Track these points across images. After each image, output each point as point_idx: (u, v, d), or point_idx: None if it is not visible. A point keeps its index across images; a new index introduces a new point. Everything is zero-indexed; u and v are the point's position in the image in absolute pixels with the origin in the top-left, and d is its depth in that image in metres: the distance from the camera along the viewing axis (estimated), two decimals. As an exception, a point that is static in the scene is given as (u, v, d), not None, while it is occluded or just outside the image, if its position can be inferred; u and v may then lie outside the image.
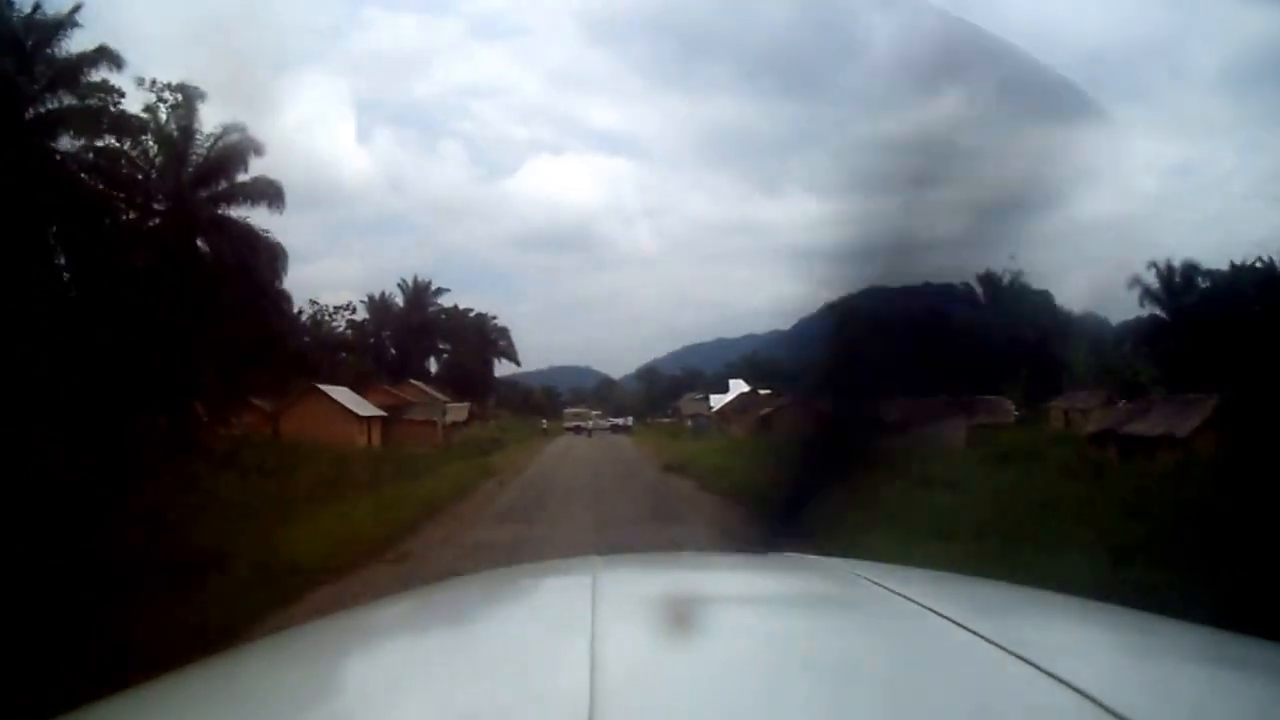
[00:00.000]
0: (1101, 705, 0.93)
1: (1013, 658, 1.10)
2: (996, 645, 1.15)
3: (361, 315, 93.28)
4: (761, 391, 75.42)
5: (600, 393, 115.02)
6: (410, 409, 51.46)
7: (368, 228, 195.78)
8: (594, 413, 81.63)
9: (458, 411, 64.91)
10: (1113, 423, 30.56)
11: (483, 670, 1.25)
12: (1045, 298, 73.22)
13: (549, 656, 1.27)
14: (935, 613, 1.31)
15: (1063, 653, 1.25)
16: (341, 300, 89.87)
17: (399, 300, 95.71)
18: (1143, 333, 51.34)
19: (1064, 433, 39.29)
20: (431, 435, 49.27)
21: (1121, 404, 32.73)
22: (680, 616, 1.37)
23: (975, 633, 1.20)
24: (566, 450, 46.73)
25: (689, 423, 72.05)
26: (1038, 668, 1.05)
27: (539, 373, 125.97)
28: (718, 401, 77.44)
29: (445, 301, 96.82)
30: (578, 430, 73.99)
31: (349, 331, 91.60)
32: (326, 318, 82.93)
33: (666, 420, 77.06)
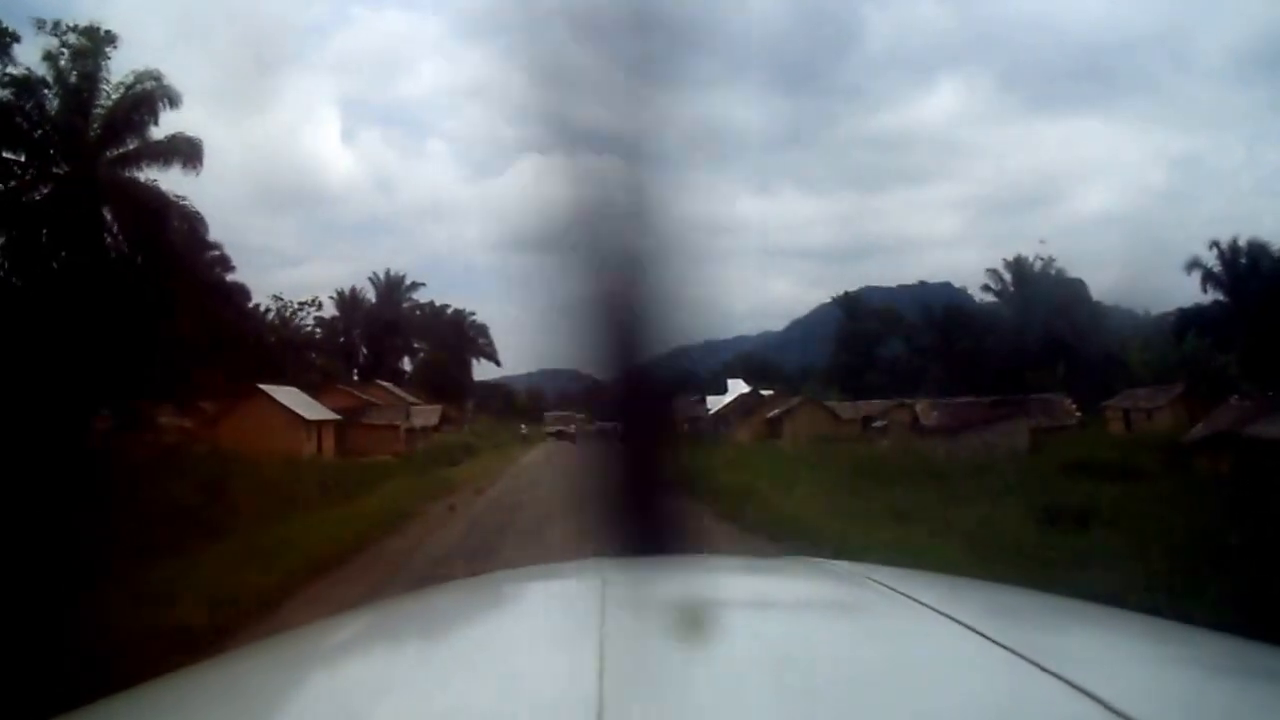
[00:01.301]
0: (1119, 713, 0.92)
1: (1028, 664, 1.07)
2: (1012, 651, 1.12)
3: (332, 313, 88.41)
4: (763, 392, 69.77)
5: (590, 395, 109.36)
6: (368, 412, 44.99)
7: (353, 229, 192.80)
8: (579, 416, 74.38)
9: (427, 415, 58.49)
10: (1226, 423, 24.25)
11: (491, 672, 1.23)
12: (1078, 287, 67.39)
13: (557, 659, 1.25)
14: (949, 618, 1.29)
15: (1080, 659, 1.20)
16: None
17: (372, 297, 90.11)
18: (1208, 321, 45.61)
19: (1141, 436, 32.99)
20: (392, 441, 42.84)
21: (1233, 400, 26.41)
22: (690, 620, 1.37)
23: (990, 638, 1.18)
24: (546, 460, 40.07)
25: (685, 427, 65.80)
26: (1054, 674, 1.02)
27: (527, 376, 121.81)
28: (715, 403, 71.28)
29: (421, 297, 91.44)
30: (560, 436, 66.80)
31: (318, 330, 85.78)
32: (291, 314, 77.05)
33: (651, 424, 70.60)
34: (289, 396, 40.20)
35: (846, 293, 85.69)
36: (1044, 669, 1.04)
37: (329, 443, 41.32)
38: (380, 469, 31.71)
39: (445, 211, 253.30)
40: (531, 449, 51.76)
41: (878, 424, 40.34)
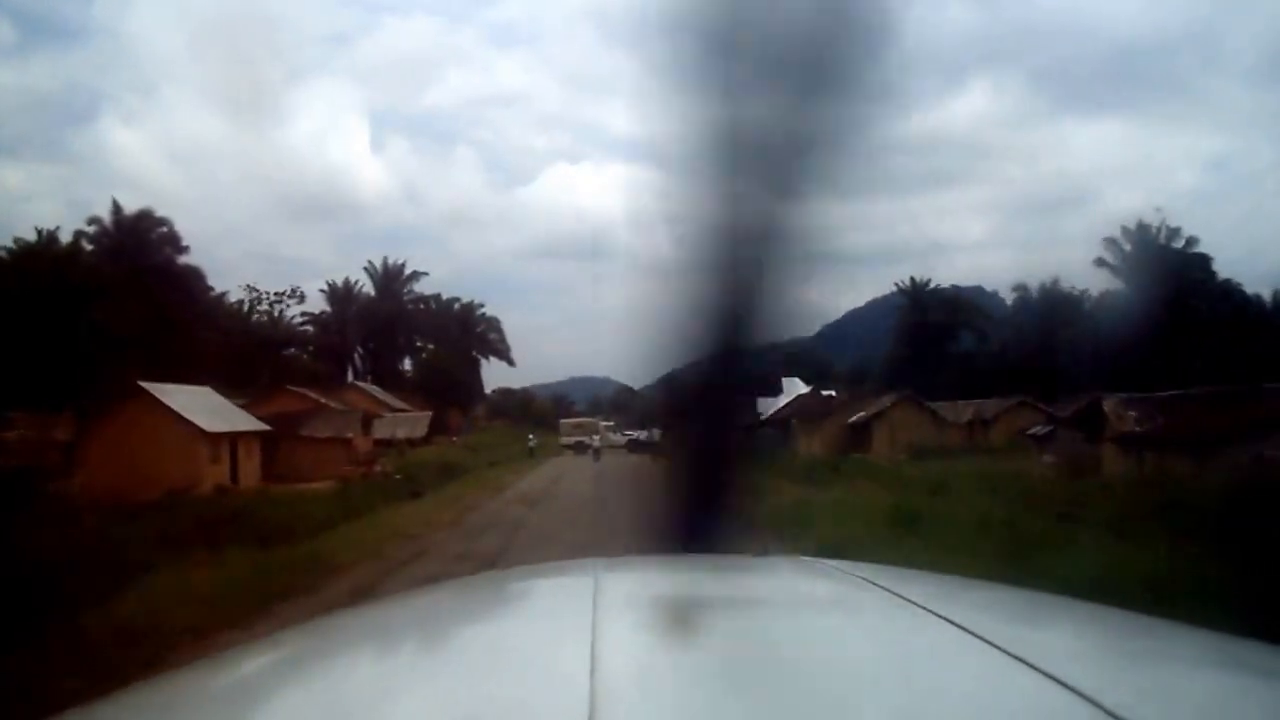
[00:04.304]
0: (1104, 709, 0.92)
1: (1016, 661, 1.07)
2: (999, 648, 1.11)
3: (323, 307, 77.16)
4: (824, 393, 58.07)
5: (619, 402, 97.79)
6: (311, 421, 33.24)
7: (383, 239, 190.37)
8: (604, 423, 60.26)
9: (411, 424, 46.89)
10: None
11: (482, 672, 1.20)
12: (1205, 263, 55.17)
13: (549, 658, 1.23)
14: (937, 615, 1.28)
15: (1066, 656, 1.20)
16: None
17: (370, 290, 78.87)
18: None
19: None
20: (340, 460, 31.29)
21: None
22: (682, 619, 1.39)
23: (977, 635, 1.17)
24: (549, 488, 27.45)
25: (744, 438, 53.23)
26: (1041, 671, 1.02)
27: (558, 384, 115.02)
28: (767, 406, 59.42)
29: (427, 290, 79.99)
30: (580, 448, 51.37)
31: (308, 326, 74.55)
32: (270, 306, 65.84)
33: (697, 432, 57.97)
34: (189, 399, 28.79)
35: (913, 279, 74.73)
36: (1032, 665, 1.04)
37: (250, 463, 29.90)
38: (283, 508, 20.39)
39: (475, 220, 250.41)
40: (536, 469, 38.84)
41: (1036, 431, 28.16)
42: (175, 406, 27.64)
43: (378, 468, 31.36)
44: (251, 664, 1.43)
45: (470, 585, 2.22)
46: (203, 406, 29.02)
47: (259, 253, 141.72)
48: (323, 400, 37.44)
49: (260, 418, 32.38)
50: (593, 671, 1.01)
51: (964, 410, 38.28)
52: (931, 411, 36.64)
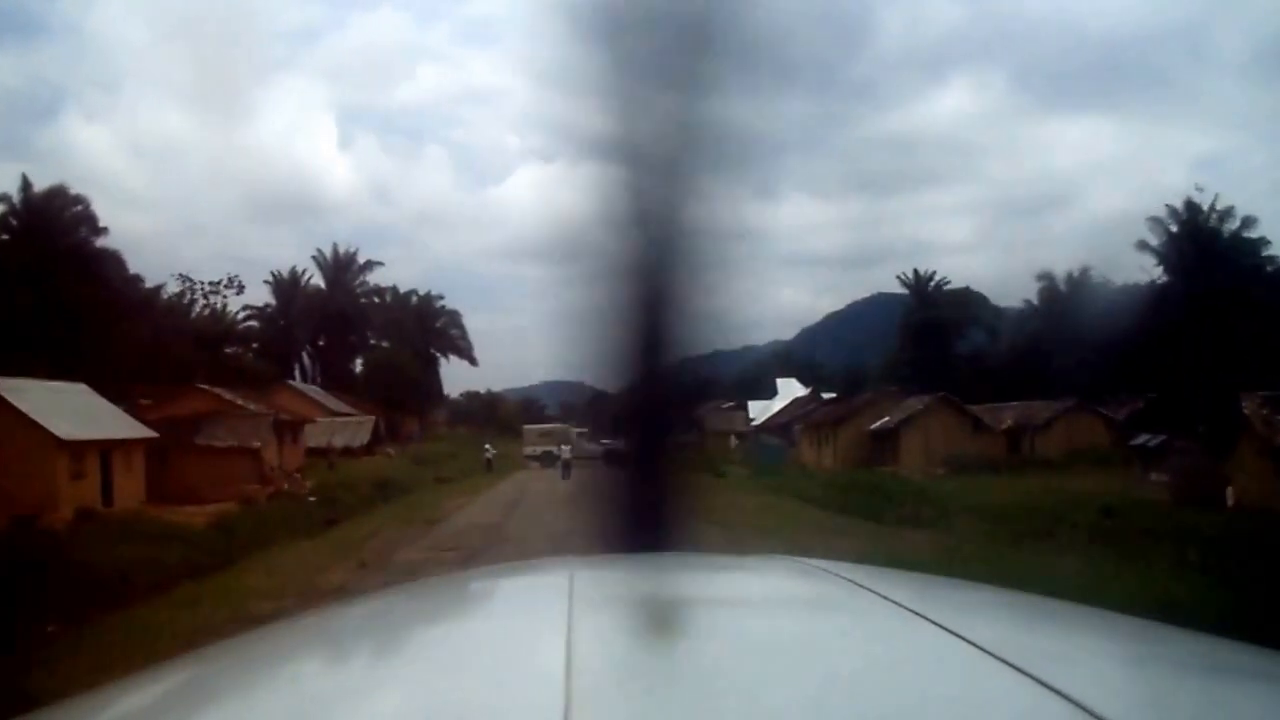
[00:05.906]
0: (1092, 713, 0.91)
1: (1001, 663, 1.06)
2: (984, 650, 1.10)
3: (267, 300, 70.67)
4: (825, 395, 52.47)
5: (594, 407, 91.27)
6: (209, 426, 26.81)
7: (352, 239, 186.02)
8: (576, 430, 53.46)
9: (351, 430, 40.48)
10: None
11: (457, 669, 1.19)
12: (1260, 248, 49.88)
13: (524, 656, 1.21)
14: (920, 615, 1.27)
15: (1052, 658, 1.19)
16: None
17: (321, 282, 72.36)
18: None
19: None
20: (247, 474, 24.98)
21: None
22: (659, 618, 1.39)
23: (960, 635, 1.15)
24: (502, 521, 19.67)
25: (732, 441, 46.66)
26: (1026, 673, 1.02)
27: (531, 388, 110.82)
28: (759, 410, 53.51)
29: (382, 280, 73.52)
30: (547, 460, 44.81)
31: (253, 321, 67.95)
32: (204, 298, 59.53)
33: (683, 439, 51.37)
34: (50, 399, 22.54)
35: (916, 272, 69.41)
36: (1013, 666, 1.03)
37: (130, 480, 23.64)
38: (138, 546, 14.67)
39: (446, 220, 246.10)
40: (491, 488, 31.87)
41: (1144, 440, 22.33)
42: (24, 407, 21.33)
43: (296, 486, 25.12)
44: (219, 664, 1.39)
45: (444, 583, 2.20)
46: (68, 408, 22.72)
47: (227, 253, 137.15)
48: (238, 402, 31.12)
49: (153, 423, 26.12)
50: (568, 670, 1.00)
51: (1004, 414, 32.52)
52: (974, 417, 30.81)
